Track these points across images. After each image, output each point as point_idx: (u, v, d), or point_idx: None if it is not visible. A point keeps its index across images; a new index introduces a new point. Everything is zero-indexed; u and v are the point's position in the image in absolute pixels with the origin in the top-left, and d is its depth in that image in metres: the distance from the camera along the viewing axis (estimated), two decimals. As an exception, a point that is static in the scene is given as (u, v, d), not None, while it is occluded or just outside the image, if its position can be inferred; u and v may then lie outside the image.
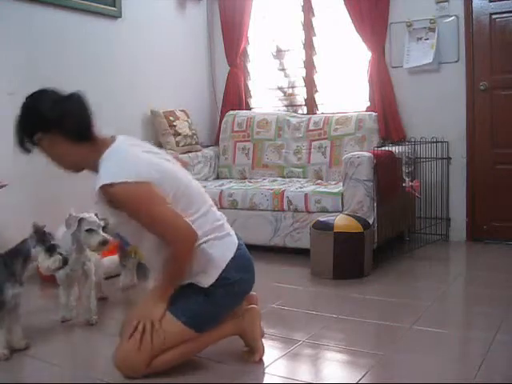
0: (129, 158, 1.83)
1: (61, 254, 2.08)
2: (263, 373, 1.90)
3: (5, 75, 3.22)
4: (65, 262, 2.10)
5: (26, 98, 1.90)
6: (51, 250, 2.06)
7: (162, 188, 1.79)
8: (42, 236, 2.06)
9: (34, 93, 1.90)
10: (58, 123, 1.84)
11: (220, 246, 1.88)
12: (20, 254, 2.05)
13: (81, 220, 2.35)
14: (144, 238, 1.85)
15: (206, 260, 1.84)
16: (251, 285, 1.98)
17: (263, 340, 2.03)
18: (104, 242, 2.37)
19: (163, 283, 1.84)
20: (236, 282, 1.87)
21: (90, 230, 2.34)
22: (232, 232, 1.98)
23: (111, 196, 1.74)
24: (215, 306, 1.86)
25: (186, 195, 1.87)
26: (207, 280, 1.84)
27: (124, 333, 1.86)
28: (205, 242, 1.84)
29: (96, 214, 2.39)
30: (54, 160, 1.92)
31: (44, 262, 2.05)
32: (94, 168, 1.83)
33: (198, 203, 1.89)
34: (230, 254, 1.89)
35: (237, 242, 1.95)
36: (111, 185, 1.72)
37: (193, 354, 1.91)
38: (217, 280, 1.84)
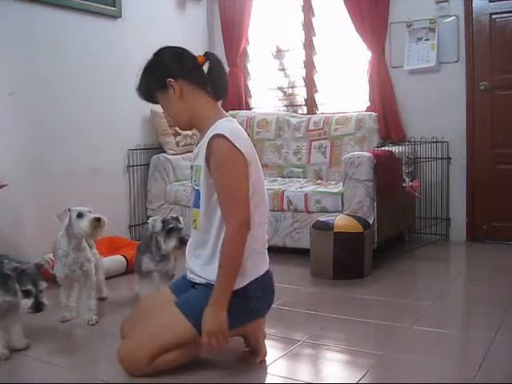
0: (243, 133, 1.87)
1: (35, 297, 1.98)
2: (263, 373, 1.90)
3: (5, 75, 3.21)
4: (36, 306, 1.99)
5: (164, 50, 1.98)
6: (27, 293, 1.97)
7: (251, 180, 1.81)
8: (19, 276, 1.98)
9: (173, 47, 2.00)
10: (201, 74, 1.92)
11: (258, 260, 1.88)
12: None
13: (69, 210, 2.35)
14: (215, 215, 1.83)
15: (245, 262, 1.81)
16: (266, 308, 1.95)
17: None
18: (97, 221, 2.34)
19: (220, 285, 1.76)
20: (256, 298, 1.85)
21: (79, 215, 2.33)
22: (266, 252, 1.97)
23: (215, 147, 1.76)
24: (230, 316, 1.79)
25: (258, 202, 1.87)
26: (240, 281, 1.80)
27: (127, 331, 1.86)
28: (247, 249, 1.82)
29: (90, 211, 2.38)
30: (176, 109, 1.91)
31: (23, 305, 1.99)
32: (204, 128, 1.88)
33: (261, 213, 1.89)
34: (262, 271, 1.89)
35: (268, 263, 1.95)
36: (222, 136, 1.76)
37: (195, 355, 1.91)
38: (239, 289, 1.80)
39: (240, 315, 1.84)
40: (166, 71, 1.89)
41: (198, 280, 1.89)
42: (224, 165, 1.78)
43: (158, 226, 2.51)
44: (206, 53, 1.95)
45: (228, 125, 1.84)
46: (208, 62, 1.93)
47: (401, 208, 3.65)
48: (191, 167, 1.97)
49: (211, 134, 1.78)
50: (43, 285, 2.02)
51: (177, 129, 4.22)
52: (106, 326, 2.38)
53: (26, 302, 1.97)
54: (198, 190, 1.88)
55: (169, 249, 2.49)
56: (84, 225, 2.32)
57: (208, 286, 1.82)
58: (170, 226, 2.48)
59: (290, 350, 2.06)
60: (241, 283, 1.81)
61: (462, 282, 3.12)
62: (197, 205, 1.88)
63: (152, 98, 1.97)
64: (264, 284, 1.89)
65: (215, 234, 1.84)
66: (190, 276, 1.94)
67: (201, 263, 1.88)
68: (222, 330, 1.74)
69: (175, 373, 1.83)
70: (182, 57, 1.93)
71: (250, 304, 1.85)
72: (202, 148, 1.84)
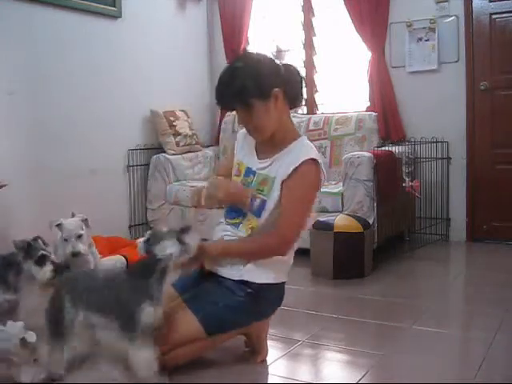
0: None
1: (53, 263, 1.98)
2: (263, 373, 1.90)
3: (5, 75, 3.22)
4: (58, 270, 1.97)
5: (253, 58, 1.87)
6: (41, 261, 1.96)
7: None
8: (27, 249, 1.97)
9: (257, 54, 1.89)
10: (289, 84, 1.88)
11: (286, 268, 1.94)
12: (11, 265, 1.99)
13: (59, 226, 2.30)
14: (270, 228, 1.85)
15: (272, 263, 1.85)
16: (272, 313, 1.97)
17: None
18: (74, 254, 2.30)
19: (227, 249, 1.86)
20: (268, 303, 1.90)
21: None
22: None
23: (306, 170, 1.81)
24: (237, 317, 1.84)
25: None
26: (255, 277, 1.83)
27: None
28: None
29: (86, 220, 2.36)
30: (270, 120, 1.85)
31: (37, 274, 1.96)
32: (279, 140, 1.89)
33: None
34: (284, 279, 1.94)
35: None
36: (315, 161, 1.83)
37: (201, 353, 1.91)
38: (256, 287, 1.83)
39: (248, 314, 1.86)
40: (273, 80, 1.82)
41: (224, 274, 1.89)
42: (310, 187, 1.85)
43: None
44: (284, 64, 1.91)
45: (312, 146, 1.90)
46: (286, 70, 1.89)
47: (401, 208, 3.64)
48: (253, 173, 1.93)
49: (304, 157, 1.81)
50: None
51: (177, 129, 4.22)
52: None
53: (44, 271, 1.95)
54: (264, 200, 1.86)
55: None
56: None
57: (221, 284, 1.85)
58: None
59: (290, 350, 2.06)
60: (263, 279, 1.84)
61: (461, 282, 3.12)
62: (258, 214, 1.87)
63: (242, 105, 1.83)
64: (279, 292, 1.95)
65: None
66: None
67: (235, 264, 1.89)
68: (205, 252, 1.80)
69: (175, 373, 1.83)
70: (279, 67, 1.87)
71: (261, 306, 1.88)
72: (281, 162, 1.85)
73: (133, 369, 1.65)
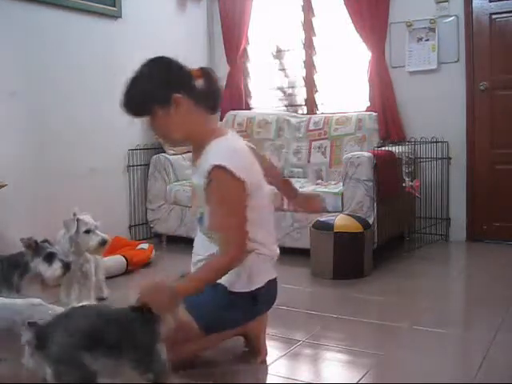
0: (240, 153, 1.83)
1: (61, 261, 2.02)
2: (263, 373, 1.90)
3: (5, 75, 3.22)
4: (66, 267, 2.03)
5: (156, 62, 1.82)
6: (50, 258, 1.99)
7: (250, 197, 1.79)
8: (35, 248, 2.00)
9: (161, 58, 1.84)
10: (198, 89, 1.84)
11: (267, 267, 1.90)
12: (17, 266, 2.00)
13: (78, 221, 2.34)
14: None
15: (252, 267, 1.83)
16: (266, 310, 1.98)
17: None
18: (103, 243, 2.36)
19: (191, 283, 1.73)
20: (260, 303, 1.88)
21: (87, 231, 2.33)
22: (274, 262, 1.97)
23: (215, 178, 1.73)
24: (232, 316, 1.84)
25: (264, 222, 1.88)
26: (238, 285, 1.81)
27: None
28: (260, 254, 1.85)
29: (96, 226, 2.38)
30: (175, 126, 1.81)
31: (46, 272, 1.99)
32: (200, 145, 1.84)
33: (266, 232, 1.90)
34: (269, 278, 1.89)
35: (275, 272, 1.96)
36: (222, 168, 1.71)
37: (197, 352, 1.91)
38: (246, 292, 1.82)
39: (241, 315, 1.86)
40: (171, 85, 1.79)
41: None
42: (224, 197, 1.75)
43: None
44: (201, 68, 1.88)
45: (227, 147, 1.80)
46: (204, 77, 1.86)
47: (401, 208, 3.65)
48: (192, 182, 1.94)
49: (211, 162, 1.73)
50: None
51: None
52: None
53: (54, 268, 1.98)
54: (201, 212, 1.86)
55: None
56: (91, 244, 2.36)
57: (215, 287, 1.81)
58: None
59: (290, 350, 2.06)
60: (247, 287, 1.82)
61: (461, 282, 3.12)
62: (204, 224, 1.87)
63: (145, 113, 1.82)
64: (269, 291, 1.92)
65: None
66: None
67: None
68: (161, 304, 1.59)
69: (174, 373, 1.83)
70: (182, 70, 1.83)
71: (253, 307, 1.87)
72: (201, 168, 1.80)
73: None
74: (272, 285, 1.93)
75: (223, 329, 1.88)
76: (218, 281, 1.78)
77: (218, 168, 1.72)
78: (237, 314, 1.84)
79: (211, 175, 1.74)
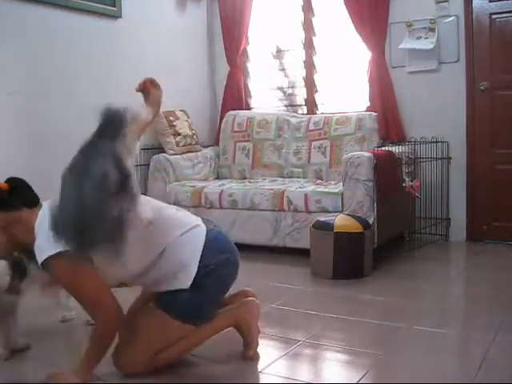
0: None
1: None
2: (263, 373, 1.90)
3: (5, 75, 3.22)
4: None
5: None
6: None
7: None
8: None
9: None
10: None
11: (187, 243, 1.85)
12: (17, 271, 1.99)
13: None
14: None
15: (176, 264, 1.82)
16: (234, 265, 1.92)
17: (260, 339, 2.03)
18: None
19: (85, 362, 1.76)
20: (216, 265, 1.83)
21: None
22: (200, 222, 1.93)
23: (49, 271, 1.73)
24: (205, 295, 1.82)
25: (164, 227, 1.86)
26: (186, 280, 1.80)
27: (123, 332, 1.86)
28: (168, 248, 1.83)
29: None
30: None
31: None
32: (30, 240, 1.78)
33: (170, 230, 1.87)
34: (201, 243, 1.85)
35: (205, 228, 1.90)
36: (44, 263, 1.70)
37: (193, 348, 1.92)
38: (197, 272, 1.80)
39: (216, 286, 1.86)
40: None
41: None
42: (61, 278, 1.76)
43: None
44: (8, 179, 1.89)
45: (38, 240, 1.74)
46: (15, 186, 1.89)
47: (401, 208, 3.65)
48: None
49: (40, 260, 1.71)
50: None
51: (177, 129, 4.23)
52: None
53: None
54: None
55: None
56: None
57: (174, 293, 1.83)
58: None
59: (290, 350, 2.06)
60: (191, 272, 1.80)
61: (461, 282, 3.12)
62: None
63: None
64: (211, 249, 1.86)
65: (153, 266, 1.83)
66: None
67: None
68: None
69: (173, 373, 1.83)
70: None
71: (216, 273, 1.84)
72: None
73: None
74: (213, 244, 1.87)
75: (205, 314, 1.86)
76: (172, 289, 1.81)
77: (43, 265, 1.70)
78: (207, 293, 1.82)
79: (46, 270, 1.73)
